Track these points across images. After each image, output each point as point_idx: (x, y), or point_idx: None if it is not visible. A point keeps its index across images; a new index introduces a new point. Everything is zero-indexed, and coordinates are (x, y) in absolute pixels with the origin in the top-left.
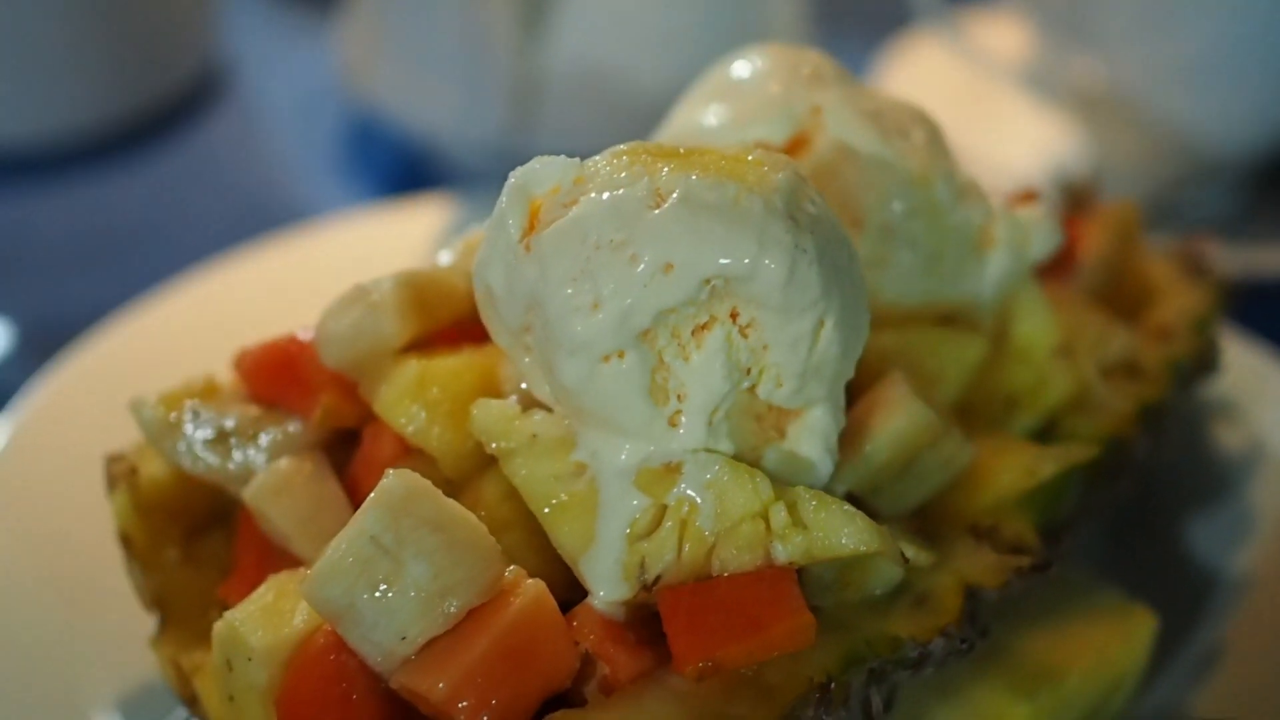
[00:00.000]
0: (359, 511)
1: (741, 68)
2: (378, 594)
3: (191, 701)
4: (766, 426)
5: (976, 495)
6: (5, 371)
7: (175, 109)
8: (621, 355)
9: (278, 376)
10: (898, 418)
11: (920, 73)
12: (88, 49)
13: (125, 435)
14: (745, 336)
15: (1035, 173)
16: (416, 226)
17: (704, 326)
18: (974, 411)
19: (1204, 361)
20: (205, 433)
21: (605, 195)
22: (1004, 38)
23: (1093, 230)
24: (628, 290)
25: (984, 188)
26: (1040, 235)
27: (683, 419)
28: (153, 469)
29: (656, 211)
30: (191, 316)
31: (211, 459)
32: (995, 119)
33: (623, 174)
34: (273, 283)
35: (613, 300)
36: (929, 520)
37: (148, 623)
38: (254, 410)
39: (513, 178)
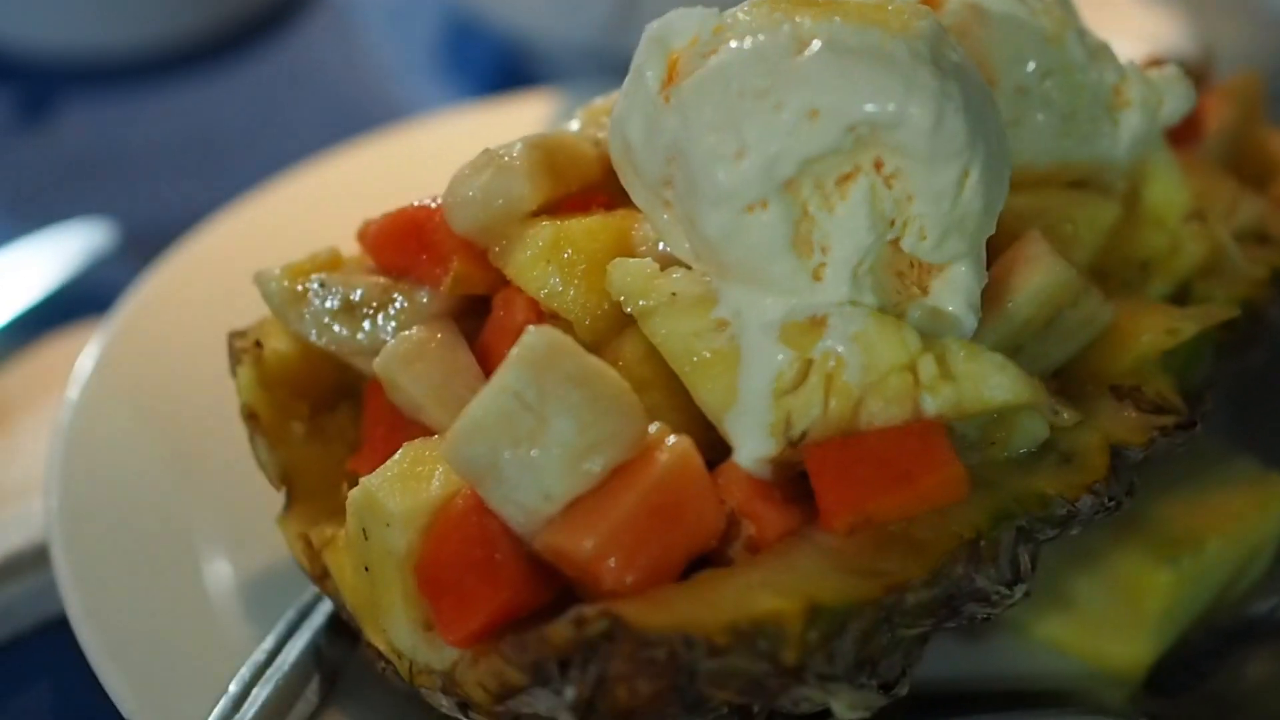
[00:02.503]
0: (500, 369)
1: None
2: (521, 451)
3: (321, 577)
4: (909, 283)
5: (1117, 356)
6: (109, 271)
7: (273, 12)
8: (765, 205)
9: (405, 245)
10: (1039, 274)
11: None
12: None
13: (241, 319)
14: (890, 187)
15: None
16: (522, 120)
17: (848, 176)
18: (1108, 275)
19: None
20: (332, 303)
21: (747, 42)
22: None
23: (1215, 102)
24: (772, 137)
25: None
26: (1174, 95)
27: (827, 271)
28: (277, 343)
29: (800, 58)
30: (302, 206)
31: (339, 329)
32: (1101, 9)
33: (763, 22)
34: (382, 172)
35: (757, 148)
36: (1070, 381)
37: (273, 501)
38: (381, 281)
39: (649, 30)
